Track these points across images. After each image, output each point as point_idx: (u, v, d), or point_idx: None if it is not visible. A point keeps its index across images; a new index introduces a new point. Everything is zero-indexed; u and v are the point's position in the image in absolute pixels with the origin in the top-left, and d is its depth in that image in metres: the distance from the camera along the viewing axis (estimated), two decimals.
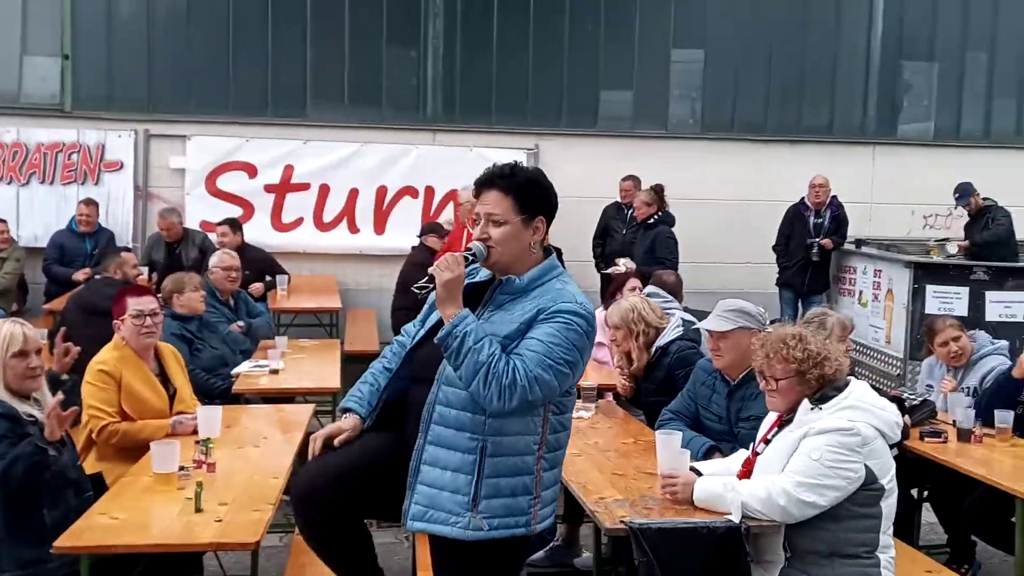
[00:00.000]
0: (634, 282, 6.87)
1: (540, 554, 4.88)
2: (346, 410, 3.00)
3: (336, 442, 2.93)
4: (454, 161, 9.97)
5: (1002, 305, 7.75)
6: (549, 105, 10.50)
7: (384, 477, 2.89)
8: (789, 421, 3.47)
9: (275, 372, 5.93)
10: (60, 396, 3.56)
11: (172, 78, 9.90)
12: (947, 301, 8.07)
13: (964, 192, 9.13)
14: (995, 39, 11.17)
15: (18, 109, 9.66)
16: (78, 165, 9.62)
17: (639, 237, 8.85)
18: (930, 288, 8.14)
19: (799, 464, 3.29)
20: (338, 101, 10.24)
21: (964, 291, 8.04)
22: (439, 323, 2.79)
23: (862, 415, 3.33)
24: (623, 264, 8.63)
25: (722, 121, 10.81)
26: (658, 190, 8.91)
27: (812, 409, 3.38)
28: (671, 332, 4.91)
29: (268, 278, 8.72)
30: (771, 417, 3.62)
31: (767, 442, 3.53)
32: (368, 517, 3.12)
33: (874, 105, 10.98)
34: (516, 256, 2.85)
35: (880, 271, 8.81)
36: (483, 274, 2.94)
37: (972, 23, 11.09)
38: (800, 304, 9.44)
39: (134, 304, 4.56)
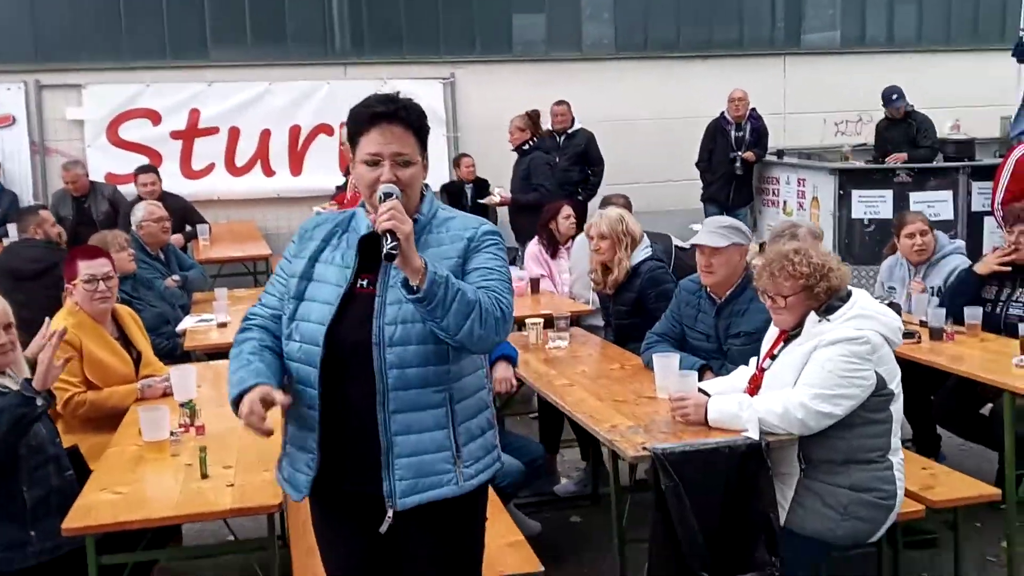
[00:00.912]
0: (567, 210, 6.81)
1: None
2: (247, 389, 2.41)
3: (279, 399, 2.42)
4: (367, 94, 9.60)
5: (926, 205, 7.96)
6: (462, 33, 10.28)
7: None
8: (795, 335, 3.47)
9: (223, 325, 5.69)
10: (53, 343, 3.32)
11: (60, 24, 9.32)
12: (872, 204, 8.28)
13: (899, 94, 9.20)
14: None
15: None
16: None
17: (514, 164, 8.73)
18: (855, 192, 8.33)
19: (813, 376, 3.31)
20: (241, 40, 9.80)
21: (888, 194, 8.25)
22: (350, 290, 2.44)
23: (869, 323, 3.36)
24: (497, 193, 8.56)
25: (635, 41, 10.76)
26: (532, 116, 8.73)
27: (820, 321, 3.39)
28: (641, 252, 4.89)
29: (188, 228, 8.35)
30: (773, 332, 3.63)
31: (773, 357, 3.54)
32: None
33: (782, 16, 11.10)
34: (415, 199, 2.51)
35: (803, 179, 8.98)
36: (364, 223, 2.52)
37: None
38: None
39: (85, 268, 4.24)
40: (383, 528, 2.44)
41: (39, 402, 3.25)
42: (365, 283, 2.47)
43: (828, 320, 3.38)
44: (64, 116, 9.27)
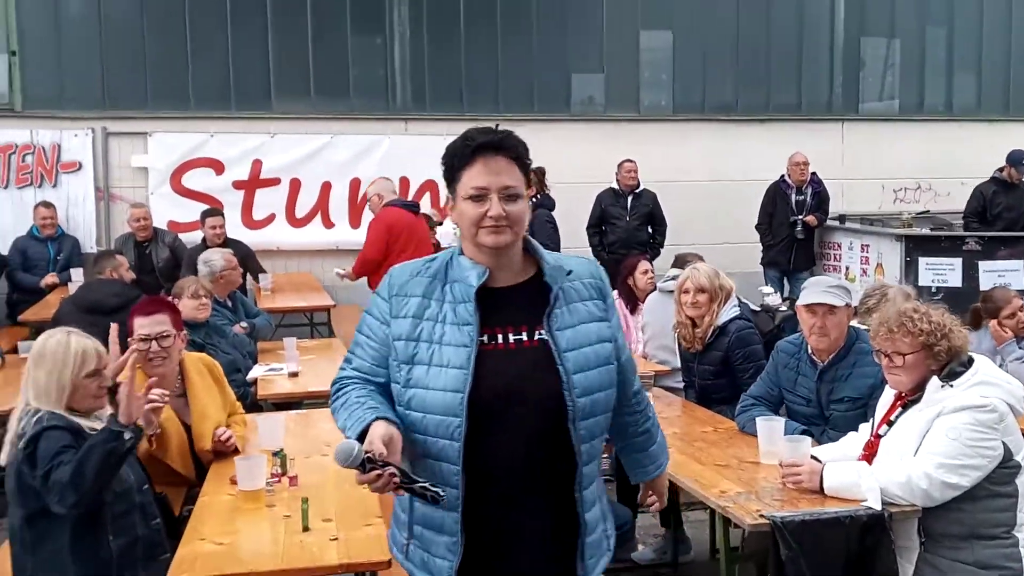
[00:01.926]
0: (645, 264, 6.75)
1: None
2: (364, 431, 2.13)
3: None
4: (427, 150, 9.65)
5: (996, 274, 7.84)
6: (520, 90, 10.33)
7: None
8: (914, 401, 3.35)
9: (294, 375, 5.63)
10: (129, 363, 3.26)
11: (128, 73, 9.42)
12: (940, 273, 8.15)
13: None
14: (952, 15, 11.35)
15: None
16: (33, 167, 9.10)
17: None
18: (923, 260, 8.21)
19: (938, 445, 3.18)
20: (304, 92, 9.88)
21: (957, 262, 8.13)
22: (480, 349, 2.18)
23: (995, 390, 3.24)
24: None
25: (693, 103, 10.77)
26: (538, 173, 8.67)
27: (943, 387, 3.27)
28: (728, 311, 4.78)
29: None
30: (888, 398, 3.50)
31: (890, 423, 3.41)
32: None
33: (840, 83, 11.08)
34: (520, 238, 2.27)
35: (867, 245, 8.87)
36: (466, 270, 2.24)
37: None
38: (787, 282, 9.45)
39: (139, 327, 3.94)
40: None
41: (127, 436, 3.12)
42: (500, 339, 2.21)
43: (951, 385, 3.26)
44: (129, 163, 9.35)
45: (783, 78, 10.98)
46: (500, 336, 2.21)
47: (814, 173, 9.56)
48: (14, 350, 6.13)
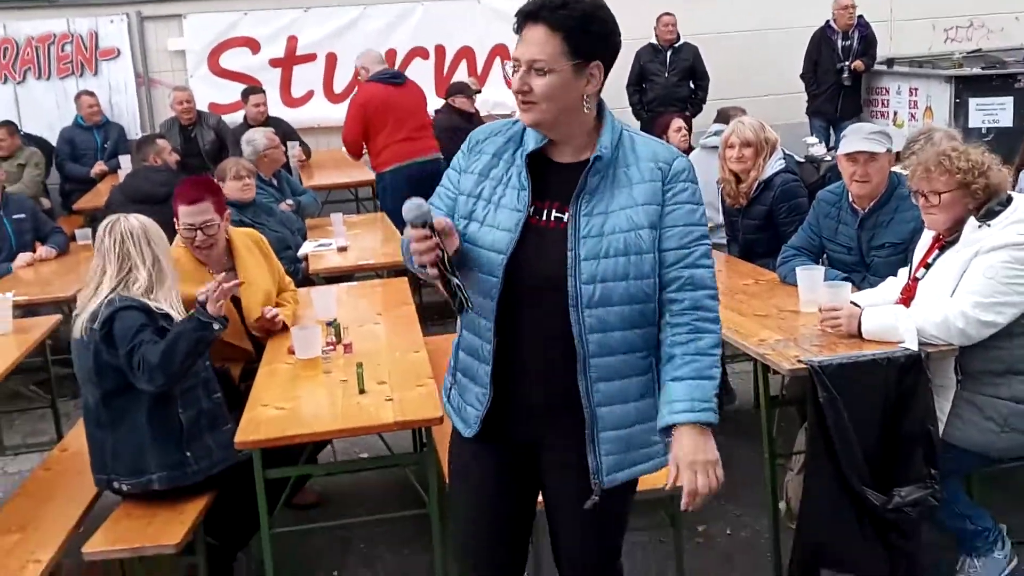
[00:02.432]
0: (678, 122, 6.67)
1: None
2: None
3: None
4: (463, 16, 9.57)
5: None
6: None
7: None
8: (952, 243, 3.36)
9: (343, 249, 5.77)
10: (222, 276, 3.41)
11: None
12: (991, 113, 7.95)
13: None
14: None
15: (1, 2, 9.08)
16: (73, 56, 9.11)
17: None
18: (972, 101, 8.00)
19: (974, 284, 3.21)
20: None
21: (1008, 101, 7.91)
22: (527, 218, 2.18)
23: None
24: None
25: None
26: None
27: (979, 227, 3.27)
28: (774, 164, 4.75)
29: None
30: (926, 241, 3.52)
31: (927, 266, 3.44)
32: None
33: None
34: (564, 115, 2.16)
35: (916, 89, 8.66)
36: (532, 137, 2.23)
37: None
38: (832, 131, 9.28)
39: (184, 215, 4.06)
40: (587, 505, 2.23)
41: (216, 326, 3.34)
42: (544, 215, 2.20)
43: (988, 225, 3.26)
44: (166, 47, 9.34)
45: None
46: (544, 212, 2.21)
47: (861, 16, 9.25)
48: (72, 238, 6.34)
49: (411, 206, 2.07)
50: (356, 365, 3.32)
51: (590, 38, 2.12)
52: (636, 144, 2.24)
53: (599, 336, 2.16)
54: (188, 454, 3.40)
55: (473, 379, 2.30)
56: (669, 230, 2.20)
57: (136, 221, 3.47)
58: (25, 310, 5.02)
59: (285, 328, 4.03)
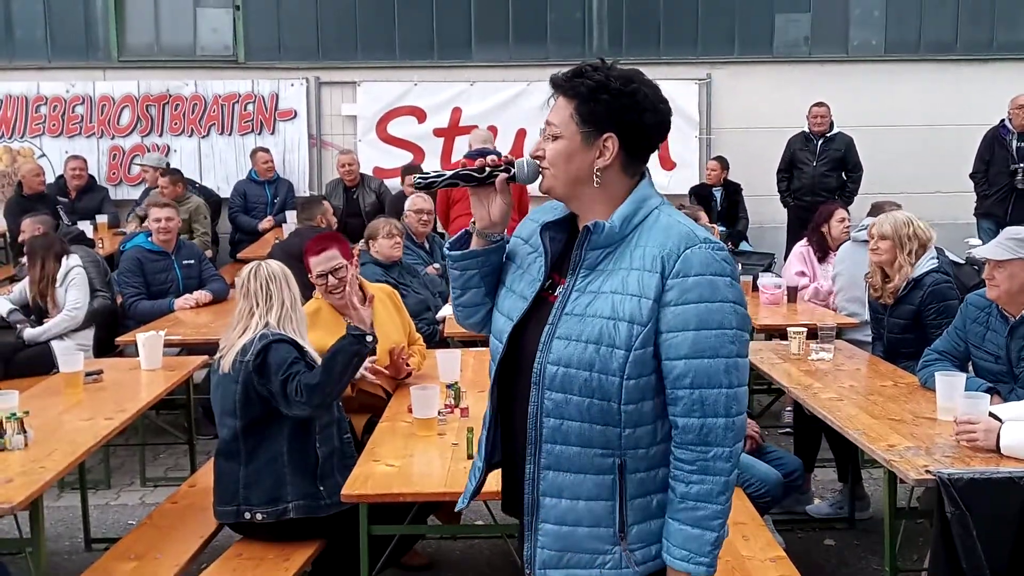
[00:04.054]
0: (842, 213, 6.52)
1: None
2: None
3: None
4: None
5: None
6: (721, 32, 10.08)
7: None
8: None
9: None
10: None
11: (340, 25, 9.92)
12: None
13: None
14: None
15: (194, 62, 9.85)
16: (254, 115, 9.78)
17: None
18: None
19: None
20: (503, 40, 10.06)
21: None
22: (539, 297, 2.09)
23: None
24: None
25: (907, 42, 10.16)
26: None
27: None
28: (925, 263, 4.56)
29: None
30: None
31: None
32: None
33: None
34: (573, 184, 2.06)
35: None
36: (559, 208, 2.17)
37: None
38: None
39: (314, 265, 4.29)
40: None
41: (369, 339, 3.51)
42: (557, 288, 2.09)
43: None
44: (340, 111, 9.88)
45: (1009, 11, 10.13)
46: (559, 285, 2.11)
47: None
48: (232, 285, 6.70)
49: (528, 163, 2.12)
50: (467, 430, 3.35)
51: (599, 108, 2.04)
52: (657, 225, 2.05)
53: (554, 422, 2.01)
54: (321, 488, 3.53)
55: (478, 451, 2.29)
56: (674, 335, 1.96)
57: (276, 266, 3.68)
58: (179, 349, 5.32)
59: (409, 374, 4.20)
